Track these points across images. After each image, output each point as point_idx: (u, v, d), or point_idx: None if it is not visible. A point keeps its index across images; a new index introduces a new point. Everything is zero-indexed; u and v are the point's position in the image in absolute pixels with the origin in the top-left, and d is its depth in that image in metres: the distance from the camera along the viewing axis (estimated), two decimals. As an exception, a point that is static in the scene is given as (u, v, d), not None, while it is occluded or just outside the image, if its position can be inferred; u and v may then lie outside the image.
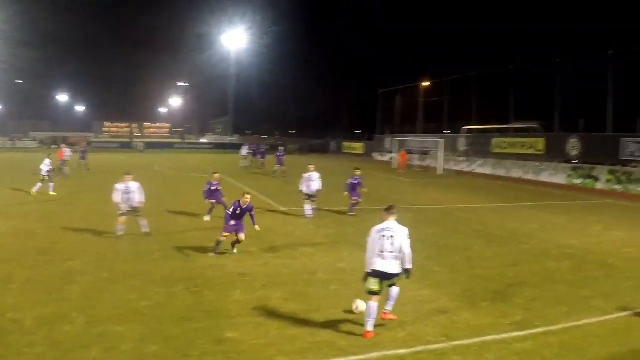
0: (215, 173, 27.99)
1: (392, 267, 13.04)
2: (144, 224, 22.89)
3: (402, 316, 13.83)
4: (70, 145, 77.43)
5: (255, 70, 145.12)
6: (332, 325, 13.18)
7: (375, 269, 13.06)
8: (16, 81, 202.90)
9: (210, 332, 12.62)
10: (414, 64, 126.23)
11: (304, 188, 29.22)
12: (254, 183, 45.55)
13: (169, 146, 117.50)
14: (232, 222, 19.67)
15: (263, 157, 65.18)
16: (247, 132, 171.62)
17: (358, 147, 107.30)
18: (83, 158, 55.23)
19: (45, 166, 36.48)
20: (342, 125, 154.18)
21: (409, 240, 13.28)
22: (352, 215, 29.71)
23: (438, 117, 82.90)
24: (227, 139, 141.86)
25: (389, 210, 13.84)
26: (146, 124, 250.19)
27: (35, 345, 11.77)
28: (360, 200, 30.29)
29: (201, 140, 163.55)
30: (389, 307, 13.64)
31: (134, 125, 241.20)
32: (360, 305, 13.28)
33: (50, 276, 16.94)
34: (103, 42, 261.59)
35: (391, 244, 13.10)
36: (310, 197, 29.11)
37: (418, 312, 14.27)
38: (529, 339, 12.71)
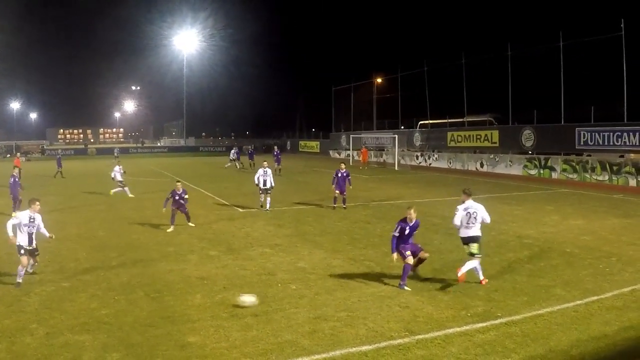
0: (177, 182, 26.79)
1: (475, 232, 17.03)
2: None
3: (364, 312, 13.91)
4: (25, 153, 76.73)
5: (208, 72, 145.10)
6: (294, 325, 13.19)
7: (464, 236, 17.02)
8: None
9: (173, 337, 12.55)
10: (367, 61, 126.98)
11: (260, 183, 31.05)
12: (208, 185, 45.44)
13: (124, 151, 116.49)
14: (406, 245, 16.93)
15: (252, 158, 66.62)
16: (202, 134, 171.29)
17: (314, 145, 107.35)
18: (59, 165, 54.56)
19: (118, 173, 39.47)
20: (297, 124, 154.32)
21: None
22: (344, 208, 31.19)
23: (393, 113, 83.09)
24: (182, 142, 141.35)
25: (466, 192, 17.77)
26: (101, 130, 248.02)
27: (-7, 359, 11.58)
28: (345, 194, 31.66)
29: (157, 144, 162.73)
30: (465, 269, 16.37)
31: (88, 131, 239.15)
32: (245, 299, 14.52)
33: (7, 287, 16.69)
34: (54, 47, 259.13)
35: (474, 217, 17.06)
36: (265, 191, 30.96)
37: (379, 308, 14.32)
38: (491, 330, 12.82)
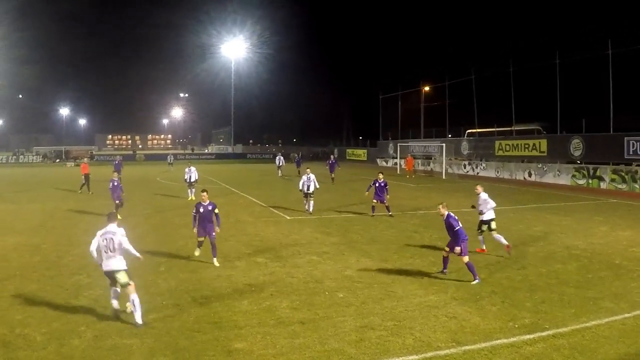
0: (203, 191, 21.56)
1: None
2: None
3: (410, 322, 13.85)
4: (74, 159, 77.67)
5: (256, 79, 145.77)
6: (340, 333, 13.17)
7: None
8: (18, 96, 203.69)
9: (219, 343, 12.62)
10: (415, 69, 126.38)
11: (303, 188, 32.31)
12: (255, 192, 45.63)
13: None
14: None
15: (298, 166, 66.94)
16: (250, 141, 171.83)
17: (361, 153, 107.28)
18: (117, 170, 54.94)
19: (193, 174, 40.76)
20: (344, 132, 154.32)
21: None
22: (390, 215, 31.33)
23: (440, 121, 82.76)
24: (229, 149, 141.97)
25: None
26: (149, 136, 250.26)
27: (43, 360, 11.72)
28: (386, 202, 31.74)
29: (205, 151, 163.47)
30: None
31: (136, 137, 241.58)
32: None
33: (57, 291, 16.98)
34: (104, 55, 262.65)
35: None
36: (308, 195, 32.12)
37: (426, 318, 14.25)
38: (538, 342, 12.68)
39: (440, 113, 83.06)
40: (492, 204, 22.26)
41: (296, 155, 79.44)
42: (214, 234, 20.67)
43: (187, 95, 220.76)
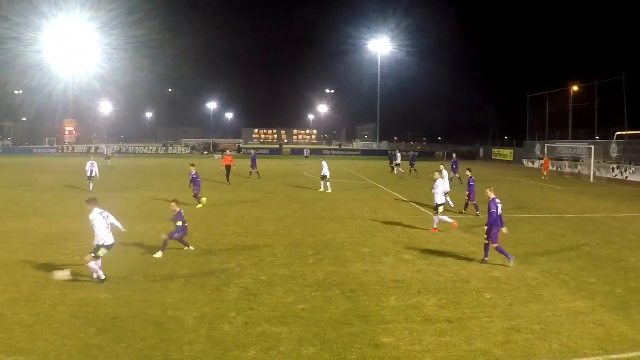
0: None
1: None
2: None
3: (557, 327, 13.65)
4: (221, 151, 79.60)
5: (401, 77, 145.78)
6: (487, 334, 13.10)
7: None
8: (168, 90, 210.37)
9: (367, 336, 12.75)
10: (562, 68, 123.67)
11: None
12: (400, 188, 45.66)
13: (317, 152, 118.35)
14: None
15: (412, 164, 65.55)
16: (395, 138, 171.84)
17: (507, 153, 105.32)
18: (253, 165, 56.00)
19: (325, 169, 42.47)
20: (490, 131, 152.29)
21: None
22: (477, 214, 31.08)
23: (589, 123, 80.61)
24: (374, 146, 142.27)
25: None
26: (294, 131, 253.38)
27: (196, 343, 12.31)
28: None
29: (350, 147, 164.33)
30: None
31: (282, 131, 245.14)
32: (57, 274, 17.03)
33: (209, 278, 17.59)
34: (251, 52, 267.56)
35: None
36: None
37: (573, 324, 13.98)
38: (691, 355, 12.28)
39: (588, 114, 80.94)
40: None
41: (412, 153, 78.60)
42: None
43: (332, 91, 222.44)
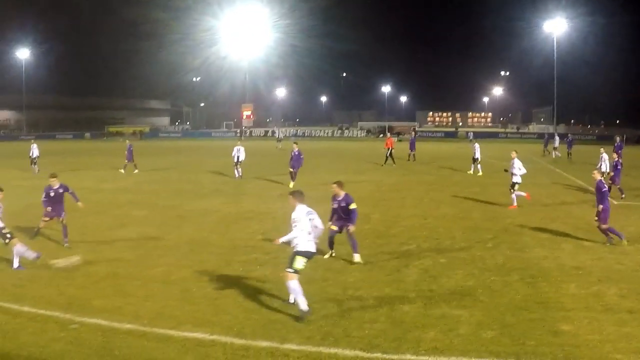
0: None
1: None
2: None
3: None
4: (397, 134, 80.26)
5: (578, 57, 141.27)
6: (671, 328, 12.51)
7: None
8: (342, 75, 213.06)
9: (546, 323, 12.56)
10: None
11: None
12: (578, 173, 44.20)
13: (492, 135, 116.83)
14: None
15: (570, 147, 63.29)
16: (571, 121, 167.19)
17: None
18: (412, 148, 56.64)
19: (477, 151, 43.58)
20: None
21: None
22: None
23: None
24: (550, 129, 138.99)
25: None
26: (468, 114, 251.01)
27: (376, 322, 12.49)
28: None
29: (526, 130, 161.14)
30: None
31: (457, 114, 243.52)
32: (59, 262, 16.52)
33: (388, 259, 17.81)
34: (426, 36, 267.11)
35: None
36: None
37: None
38: None
39: None
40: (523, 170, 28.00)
41: (568, 135, 73.31)
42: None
43: (507, 73, 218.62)
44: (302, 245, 12.95)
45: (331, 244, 17.79)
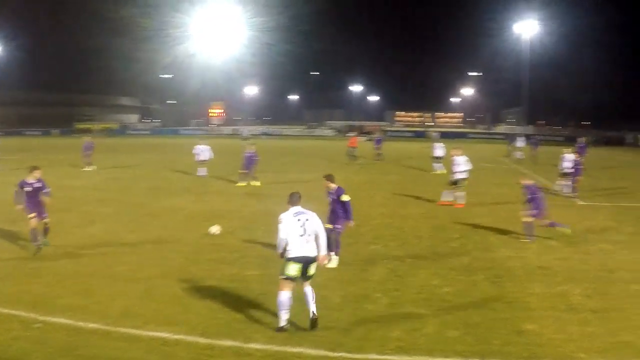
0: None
1: None
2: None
3: None
4: (366, 134, 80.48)
5: (548, 58, 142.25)
6: (632, 326, 12.70)
7: None
8: (311, 73, 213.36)
9: (510, 322, 12.71)
10: None
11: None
12: (547, 175, 44.51)
13: (461, 136, 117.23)
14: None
15: (535, 148, 62.64)
16: (538, 122, 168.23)
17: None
18: (377, 147, 56.77)
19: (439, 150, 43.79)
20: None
21: None
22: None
23: None
24: (517, 129, 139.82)
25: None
26: (438, 114, 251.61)
27: (341, 321, 12.64)
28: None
29: (494, 131, 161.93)
30: None
31: (426, 114, 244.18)
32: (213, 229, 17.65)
33: (354, 258, 17.90)
34: (396, 36, 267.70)
35: None
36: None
37: None
38: None
39: None
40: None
41: (537, 137, 73.47)
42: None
43: (480, 73, 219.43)
44: (294, 250, 12.19)
45: (331, 245, 16.28)
